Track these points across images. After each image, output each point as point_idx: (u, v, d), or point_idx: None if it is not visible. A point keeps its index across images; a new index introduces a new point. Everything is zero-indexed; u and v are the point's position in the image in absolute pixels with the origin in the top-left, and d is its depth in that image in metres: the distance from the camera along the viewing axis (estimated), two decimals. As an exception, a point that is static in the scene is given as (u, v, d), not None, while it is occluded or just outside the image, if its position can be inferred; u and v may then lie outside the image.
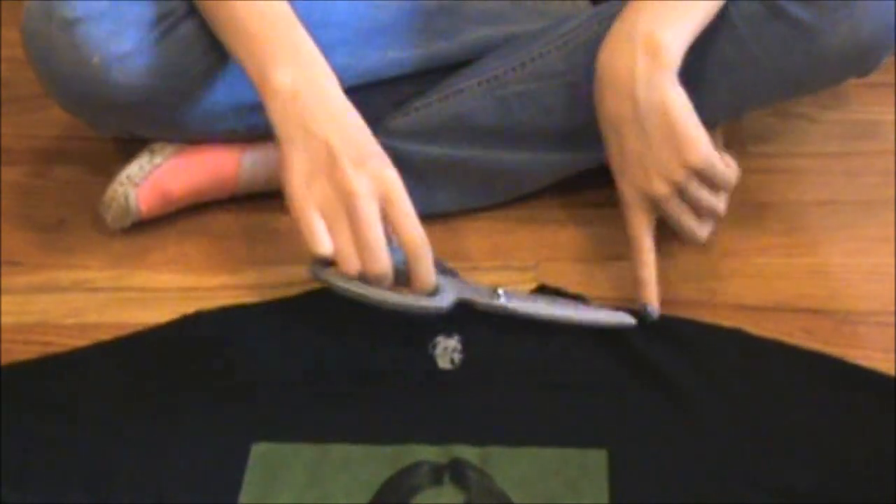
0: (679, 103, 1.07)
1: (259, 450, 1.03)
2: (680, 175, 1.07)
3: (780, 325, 1.11)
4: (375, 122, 1.12)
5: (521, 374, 1.08)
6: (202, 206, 1.28)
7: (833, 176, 1.32)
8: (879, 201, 1.27)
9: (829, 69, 1.17)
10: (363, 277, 1.03)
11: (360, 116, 1.07)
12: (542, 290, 1.15)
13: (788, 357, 1.09)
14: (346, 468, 1.01)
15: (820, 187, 1.30)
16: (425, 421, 1.05)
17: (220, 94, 1.20)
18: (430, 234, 1.06)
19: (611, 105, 1.09)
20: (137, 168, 1.23)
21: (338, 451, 1.02)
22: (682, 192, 1.09)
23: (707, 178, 1.08)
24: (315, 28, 1.09)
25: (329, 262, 1.04)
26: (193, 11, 1.15)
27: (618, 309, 1.12)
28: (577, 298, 1.14)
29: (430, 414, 1.05)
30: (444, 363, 1.10)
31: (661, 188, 1.08)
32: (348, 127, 1.06)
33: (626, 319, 1.10)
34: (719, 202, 1.11)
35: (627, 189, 1.11)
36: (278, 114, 1.05)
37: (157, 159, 1.23)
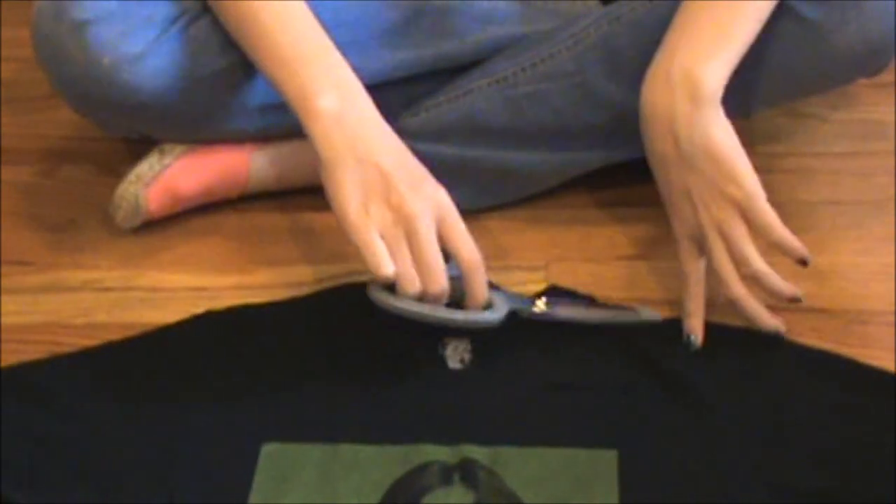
0: (722, 139, 1.07)
1: (269, 450, 1.03)
2: (725, 211, 1.07)
3: (789, 325, 1.10)
4: (386, 122, 1.12)
5: (531, 375, 1.08)
6: (212, 206, 1.28)
7: (842, 176, 1.31)
8: (888, 201, 1.27)
9: (837, 69, 1.17)
10: (421, 297, 1.04)
11: (399, 139, 1.09)
12: (554, 291, 1.15)
13: (798, 357, 1.09)
14: (356, 468, 1.01)
15: (828, 187, 1.30)
16: (435, 421, 1.05)
17: (231, 95, 1.20)
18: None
19: (654, 143, 1.09)
20: (147, 168, 1.23)
21: (348, 451, 1.02)
22: (724, 234, 1.07)
23: (749, 217, 1.07)
24: (326, 29, 1.09)
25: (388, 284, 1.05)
26: (205, 12, 1.15)
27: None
28: (588, 299, 1.14)
29: (440, 414, 1.05)
30: (454, 363, 1.10)
31: (706, 222, 1.08)
32: (396, 150, 1.08)
33: (655, 316, 1.12)
34: (753, 253, 1.08)
35: (676, 224, 1.11)
36: (322, 137, 1.05)
37: (167, 159, 1.23)
